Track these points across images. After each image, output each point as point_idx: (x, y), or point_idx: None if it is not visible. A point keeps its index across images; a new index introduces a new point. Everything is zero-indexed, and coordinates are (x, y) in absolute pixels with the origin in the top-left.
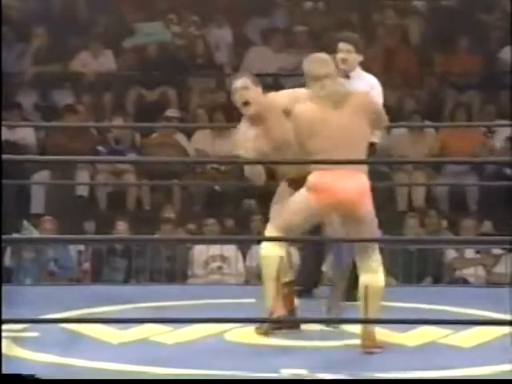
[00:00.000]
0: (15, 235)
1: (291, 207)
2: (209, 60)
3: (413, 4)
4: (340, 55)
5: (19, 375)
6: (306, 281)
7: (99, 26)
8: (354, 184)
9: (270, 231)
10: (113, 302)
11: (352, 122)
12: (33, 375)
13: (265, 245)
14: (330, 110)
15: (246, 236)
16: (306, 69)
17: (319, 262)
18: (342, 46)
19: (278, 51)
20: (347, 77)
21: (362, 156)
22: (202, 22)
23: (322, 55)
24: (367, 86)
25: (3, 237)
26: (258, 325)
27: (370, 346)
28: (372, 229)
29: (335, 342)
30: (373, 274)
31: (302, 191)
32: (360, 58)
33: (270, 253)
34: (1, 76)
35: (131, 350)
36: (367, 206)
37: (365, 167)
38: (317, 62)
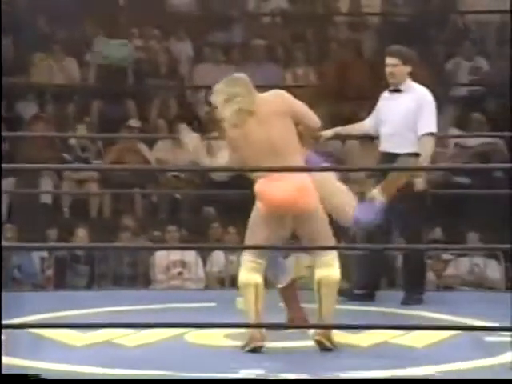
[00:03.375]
0: None
1: (252, 226)
2: (170, 72)
3: (366, 19)
4: (387, 69)
5: (20, 375)
6: (367, 285)
7: (62, 40)
8: (292, 183)
9: (246, 259)
10: (76, 307)
11: (267, 130)
12: (37, 375)
13: (242, 272)
14: (242, 127)
15: (206, 244)
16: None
17: (378, 265)
18: (388, 60)
19: (236, 65)
20: (398, 90)
21: (295, 157)
22: (163, 35)
23: (234, 76)
24: (416, 98)
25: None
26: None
27: (325, 339)
28: (322, 224)
29: (292, 343)
30: (326, 268)
31: (255, 205)
32: (408, 69)
33: (247, 280)
34: (0, 85)
35: (94, 353)
36: (310, 202)
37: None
38: (225, 83)
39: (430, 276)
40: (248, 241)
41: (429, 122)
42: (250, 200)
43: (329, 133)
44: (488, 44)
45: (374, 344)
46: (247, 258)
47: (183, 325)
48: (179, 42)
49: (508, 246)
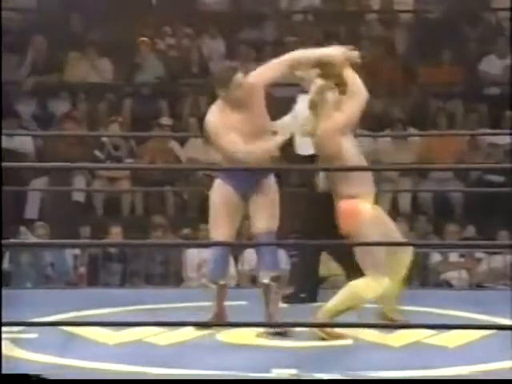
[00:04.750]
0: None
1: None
2: (202, 70)
3: (398, 16)
4: (296, 74)
5: (21, 375)
6: (307, 287)
7: (96, 41)
8: (346, 203)
9: (371, 280)
10: (108, 305)
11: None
12: (38, 375)
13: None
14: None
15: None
16: None
17: (315, 265)
18: None
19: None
20: (305, 91)
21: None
22: (195, 33)
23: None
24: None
25: (3, 241)
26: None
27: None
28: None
29: (323, 343)
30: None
31: (368, 218)
32: (317, 71)
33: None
34: (1, 85)
35: (126, 351)
36: (356, 226)
37: None
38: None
39: (463, 274)
40: (372, 262)
41: None
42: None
43: None
44: None
45: (406, 344)
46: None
47: (213, 323)
48: (211, 40)
49: None
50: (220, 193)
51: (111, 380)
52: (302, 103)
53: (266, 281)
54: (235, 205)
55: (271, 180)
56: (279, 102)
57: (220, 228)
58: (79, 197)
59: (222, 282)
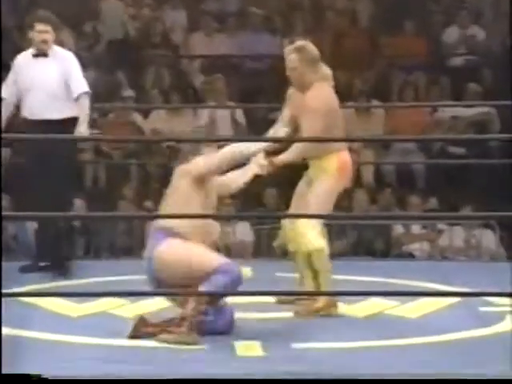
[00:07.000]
0: None
1: (325, 197)
2: (164, 41)
3: None
4: (41, 36)
5: (21, 375)
6: (53, 257)
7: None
8: None
9: (312, 226)
10: (72, 277)
11: None
12: (38, 375)
13: (315, 238)
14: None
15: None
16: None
17: (57, 235)
18: (40, 27)
19: (231, 33)
20: (45, 55)
21: None
22: (156, 4)
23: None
24: (64, 61)
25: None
26: None
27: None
28: None
29: (286, 314)
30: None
31: (328, 177)
32: (54, 36)
33: (323, 246)
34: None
35: (90, 323)
36: None
37: None
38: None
39: (425, 245)
40: (321, 210)
41: (82, 82)
42: None
43: None
44: (484, 13)
45: (369, 315)
46: (317, 227)
47: (176, 293)
48: (173, 10)
49: (502, 213)
50: None
51: (112, 380)
52: None
53: None
54: None
55: None
56: None
57: None
58: None
59: None
